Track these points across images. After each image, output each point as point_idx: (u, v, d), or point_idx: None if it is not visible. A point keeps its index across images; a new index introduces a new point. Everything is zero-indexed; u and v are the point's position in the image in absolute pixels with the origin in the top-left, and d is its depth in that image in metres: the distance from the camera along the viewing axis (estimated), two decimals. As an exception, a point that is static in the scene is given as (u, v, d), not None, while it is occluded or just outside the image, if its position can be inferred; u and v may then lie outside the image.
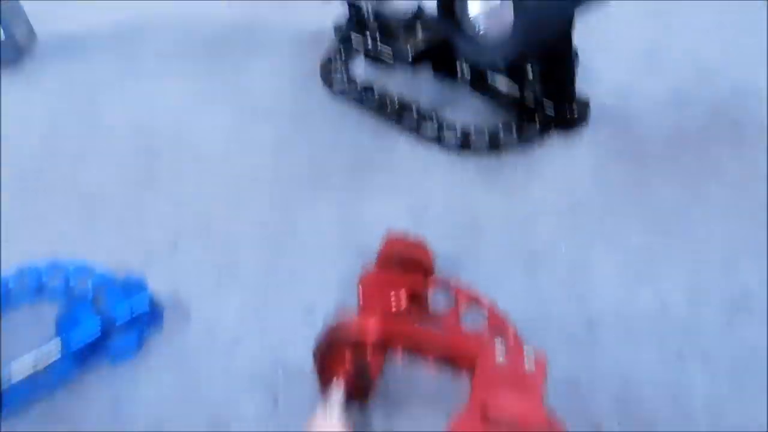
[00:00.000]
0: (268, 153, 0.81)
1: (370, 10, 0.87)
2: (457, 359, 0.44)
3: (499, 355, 0.41)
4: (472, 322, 0.57)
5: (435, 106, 0.84)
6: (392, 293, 0.55)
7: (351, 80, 0.90)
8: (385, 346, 0.46)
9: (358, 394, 0.53)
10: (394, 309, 0.53)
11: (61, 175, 0.82)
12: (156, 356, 0.60)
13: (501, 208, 0.71)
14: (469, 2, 0.73)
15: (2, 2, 0.98)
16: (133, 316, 0.59)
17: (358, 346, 0.47)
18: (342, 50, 0.95)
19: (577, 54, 0.78)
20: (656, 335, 0.57)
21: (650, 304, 0.59)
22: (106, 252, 0.69)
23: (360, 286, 0.56)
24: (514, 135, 0.79)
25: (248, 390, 0.56)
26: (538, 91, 0.80)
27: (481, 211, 0.70)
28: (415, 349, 0.45)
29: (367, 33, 0.87)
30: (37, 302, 0.65)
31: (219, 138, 0.85)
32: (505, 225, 0.69)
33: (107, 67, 1.01)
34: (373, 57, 0.88)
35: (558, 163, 0.76)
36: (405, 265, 0.57)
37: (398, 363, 0.54)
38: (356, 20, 0.90)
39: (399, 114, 0.84)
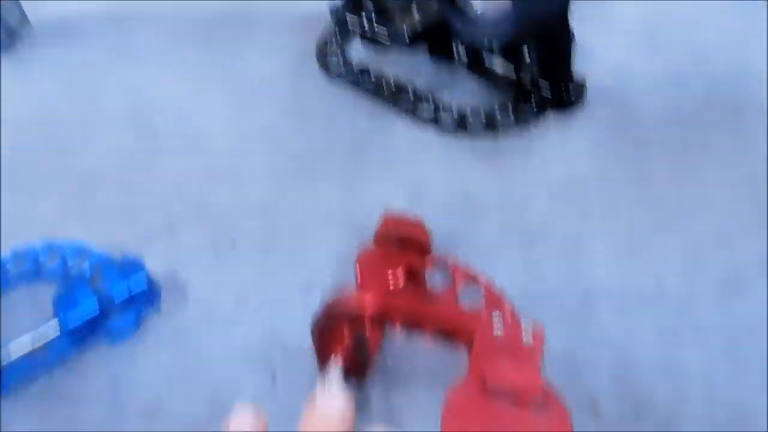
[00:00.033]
0: (264, 135, 0.81)
1: (366, -8, 0.87)
2: (455, 333, 0.44)
3: (497, 328, 0.41)
4: (469, 300, 0.57)
5: (431, 88, 0.84)
6: (390, 272, 0.55)
7: (347, 63, 0.90)
8: (383, 320, 0.46)
9: (357, 371, 0.54)
10: (391, 287, 0.53)
11: (57, 159, 0.81)
12: (154, 335, 0.60)
13: (498, 187, 0.71)
14: (465, -18, 0.73)
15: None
16: (131, 295, 0.59)
17: (356, 320, 0.47)
18: (338, 33, 0.95)
19: (573, 35, 0.78)
20: (651, 311, 0.57)
21: (646, 281, 0.60)
22: (103, 234, 0.68)
23: (357, 265, 0.56)
24: (511, 116, 0.79)
25: (247, 368, 0.56)
26: (534, 72, 0.80)
27: (478, 191, 0.71)
28: (414, 324, 0.46)
29: (363, 14, 0.87)
30: (34, 283, 0.65)
31: (215, 120, 0.84)
32: (502, 204, 0.69)
33: (102, 51, 1.00)
34: (370, 39, 0.88)
35: (554, 143, 0.76)
36: (402, 244, 0.57)
37: (397, 338, 0.54)
38: (352, 2, 0.89)
39: (395, 96, 0.84)
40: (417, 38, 0.84)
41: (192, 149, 0.80)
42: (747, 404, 0.50)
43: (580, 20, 0.76)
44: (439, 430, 0.37)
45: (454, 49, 0.87)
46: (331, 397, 0.29)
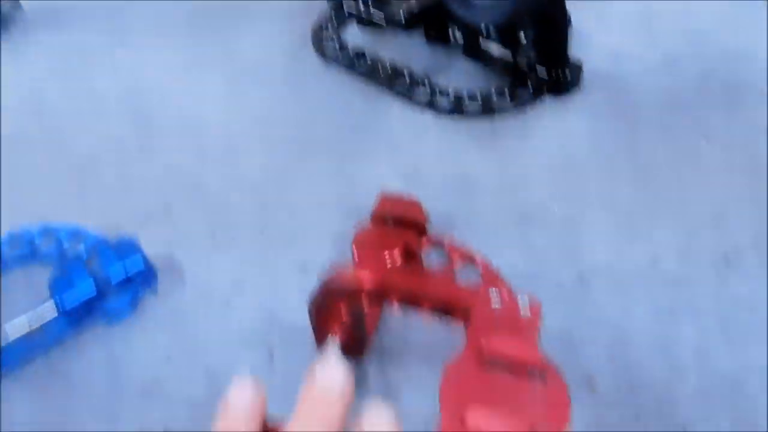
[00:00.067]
0: (260, 118, 0.81)
1: (362, -25, 0.87)
2: (453, 310, 0.44)
3: (495, 302, 0.41)
4: (466, 279, 0.57)
5: (427, 72, 0.84)
6: (386, 252, 0.55)
7: (343, 46, 0.90)
8: (380, 297, 0.47)
9: (354, 349, 0.54)
10: (389, 266, 0.53)
11: (51, 143, 0.81)
12: (151, 317, 0.60)
13: (494, 169, 0.71)
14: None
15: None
16: (128, 276, 0.59)
17: (354, 297, 0.47)
18: (334, 16, 0.94)
19: (570, 18, 0.78)
20: (647, 290, 0.57)
21: (641, 260, 0.60)
22: (99, 217, 0.68)
23: (354, 245, 0.56)
24: (507, 99, 0.79)
25: (244, 348, 0.57)
26: (531, 55, 0.80)
27: (474, 173, 0.71)
28: (411, 301, 0.46)
29: (359, -3, 0.87)
30: (30, 266, 0.65)
31: (210, 104, 0.84)
32: (498, 185, 0.69)
33: (95, 35, 1.00)
34: (366, 22, 0.88)
35: (551, 125, 0.76)
36: (399, 224, 0.58)
37: (394, 314, 0.54)
38: (348, -15, 0.89)
39: (391, 80, 0.84)
40: (413, 21, 0.84)
41: (187, 132, 0.80)
42: (742, 379, 0.51)
43: (576, 5, 0.76)
44: (437, 405, 0.37)
45: (451, 32, 0.87)
46: (331, 369, 0.29)
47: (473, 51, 0.86)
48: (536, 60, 0.80)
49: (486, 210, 0.67)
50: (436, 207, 0.62)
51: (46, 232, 0.66)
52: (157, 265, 0.62)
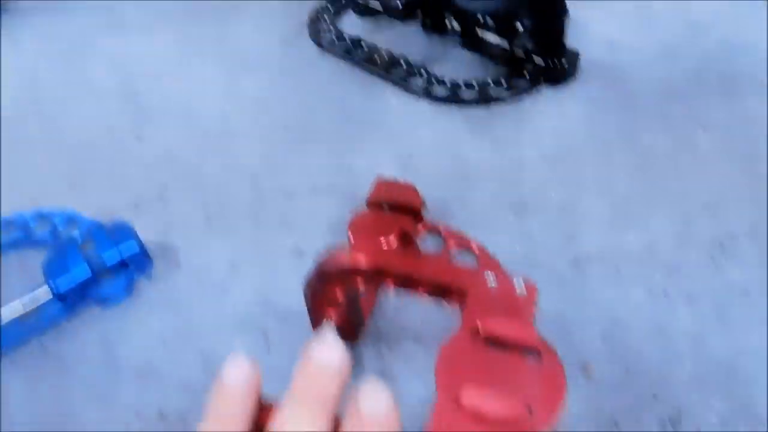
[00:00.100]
0: (255, 105, 0.81)
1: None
2: (449, 291, 0.44)
3: (491, 281, 0.41)
4: (462, 264, 0.57)
5: (424, 60, 0.84)
6: (382, 236, 0.54)
7: (340, 35, 0.89)
8: (376, 279, 0.46)
9: (350, 333, 0.54)
10: (385, 249, 0.53)
11: (46, 129, 0.81)
12: (146, 301, 0.60)
13: (490, 156, 0.71)
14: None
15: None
16: (123, 259, 0.59)
17: (349, 279, 0.47)
18: (330, 5, 0.94)
19: (566, 8, 0.78)
20: (642, 275, 0.58)
21: (637, 246, 0.60)
22: (94, 202, 0.68)
23: (350, 230, 0.56)
24: (504, 88, 0.79)
25: (239, 331, 0.56)
26: (528, 43, 0.80)
27: (471, 160, 0.71)
28: (407, 283, 0.46)
29: (356, -15, 0.86)
30: (25, 251, 0.65)
31: (206, 90, 0.84)
32: (495, 173, 0.69)
33: (89, 22, 0.99)
34: (362, 10, 0.87)
35: (548, 114, 0.76)
36: (395, 209, 0.57)
37: (390, 298, 0.54)
38: (345, -27, 0.89)
39: (388, 68, 0.84)
40: (410, 10, 0.84)
41: (183, 118, 0.80)
42: (737, 364, 0.51)
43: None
44: (433, 386, 0.37)
45: (447, 21, 0.87)
46: (328, 346, 0.29)
47: (470, 40, 0.86)
48: (533, 49, 0.79)
49: (482, 197, 0.67)
50: (432, 195, 0.62)
51: (41, 216, 0.66)
52: (152, 249, 0.62)
